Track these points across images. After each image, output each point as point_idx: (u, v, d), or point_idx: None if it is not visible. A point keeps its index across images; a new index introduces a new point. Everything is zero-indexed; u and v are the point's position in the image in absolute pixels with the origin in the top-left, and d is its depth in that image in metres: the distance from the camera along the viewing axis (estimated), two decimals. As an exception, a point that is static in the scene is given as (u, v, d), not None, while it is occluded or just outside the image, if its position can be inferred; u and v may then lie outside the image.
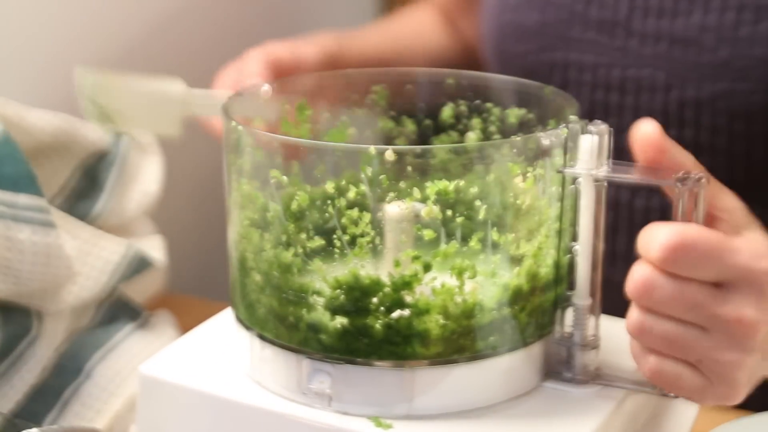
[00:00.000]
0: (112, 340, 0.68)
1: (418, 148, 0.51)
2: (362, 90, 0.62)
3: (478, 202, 0.50)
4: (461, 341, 0.50)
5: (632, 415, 0.55)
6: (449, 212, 0.50)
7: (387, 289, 0.49)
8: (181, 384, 0.54)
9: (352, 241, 0.50)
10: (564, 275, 0.53)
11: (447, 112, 0.61)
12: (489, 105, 0.60)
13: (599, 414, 0.52)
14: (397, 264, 0.49)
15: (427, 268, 0.49)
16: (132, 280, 0.72)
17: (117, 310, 0.71)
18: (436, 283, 0.50)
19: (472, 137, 0.60)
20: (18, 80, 0.79)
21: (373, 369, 0.50)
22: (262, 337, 0.53)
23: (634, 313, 0.49)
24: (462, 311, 0.50)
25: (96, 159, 0.72)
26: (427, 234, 0.50)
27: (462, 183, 0.50)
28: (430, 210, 0.50)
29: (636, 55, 0.74)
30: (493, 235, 0.51)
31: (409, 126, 0.62)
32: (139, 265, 0.71)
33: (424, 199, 0.50)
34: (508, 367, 0.52)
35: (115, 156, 0.73)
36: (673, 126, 0.74)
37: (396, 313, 0.50)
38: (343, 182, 0.50)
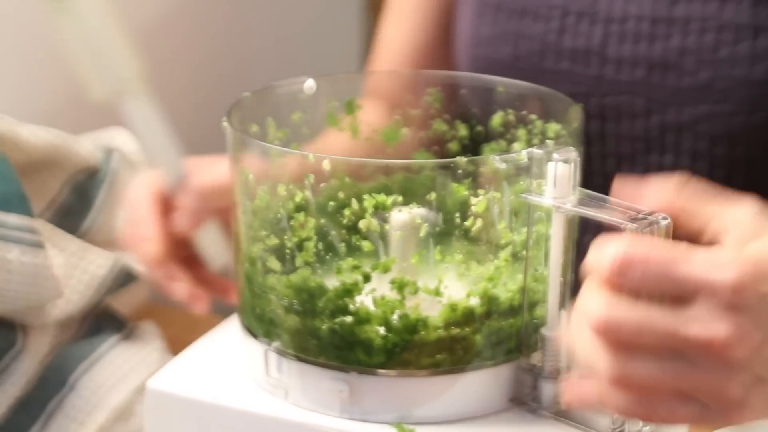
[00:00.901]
0: (96, 352, 0.69)
1: (354, 160, 0.54)
2: (417, 91, 0.63)
3: (418, 220, 0.51)
4: (405, 355, 0.51)
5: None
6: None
7: (330, 295, 0.51)
8: (191, 397, 0.55)
9: (300, 245, 0.52)
10: (537, 301, 0.53)
11: (497, 120, 0.62)
12: (533, 117, 0.61)
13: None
14: (338, 271, 0.51)
15: (366, 278, 0.51)
16: (117, 292, 0.73)
17: (102, 322, 0.72)
18: (376, 294, 0.51)
19: (516, 148, 0.61)
20: (9, 94, 0.79)
21: (383, 378, 0.52)
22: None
23: (608, 365, 0.46)
24: (404, 325, 0.51)
25: (86, 175, 0.73)
26: (366, 246, 0.51)
27: (400, 198, 0.51)
28: (368, 222, 0.51)
29: (612, 82, 0.75)
30: (436, 254, 0.52)
31: (462, 131, 0.63)
32: (126, 278, 0.72)
33: (362, 211, 0.51)
34: (468, 386, 0.53)
35: (106, 173, 0.73)
36: (654, 151, 0.74)
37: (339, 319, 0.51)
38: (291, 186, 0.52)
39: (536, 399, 0.53)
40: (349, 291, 0.51)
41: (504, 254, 0.52)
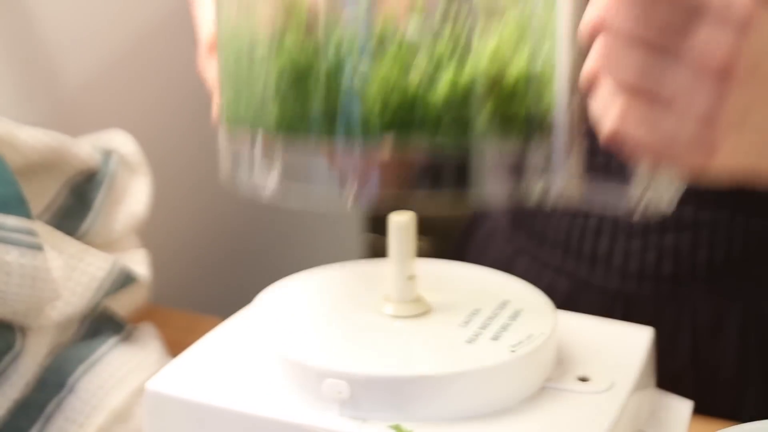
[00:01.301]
0: (95, 354, 0.69)
1: None
2: None
3: None
4: (402, 135, 0.47)
5: (635, 411, 0.57)
6: None
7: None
8: (190, 399, 0.55)
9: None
10: (546, 82, 0.49)
11: None
12: None
13: (608, 415, 0.53)
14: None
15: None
16: (116, 294, 0.73)
17: (100, 324, 0.72)
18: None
19: None
20: (6, 96, 0.80)
21: (388, 378, 0.52)
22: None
23: (597, 45, 0.45)
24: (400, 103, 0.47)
25: (84, 177, 0.73)
26: None
27: None
28: None
29: None
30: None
31: None
32: (124, 280, 0.72)
33: None
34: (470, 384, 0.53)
35: (104, 175, 0.73)
36: None
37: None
38: None
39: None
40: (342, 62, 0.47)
41: (510, 23, 0.48)
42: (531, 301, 0.60)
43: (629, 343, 0.61)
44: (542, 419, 0.53)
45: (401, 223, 0.57)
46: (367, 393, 0.53)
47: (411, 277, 0.58)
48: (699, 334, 0.78)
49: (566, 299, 0.81)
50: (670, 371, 0.78)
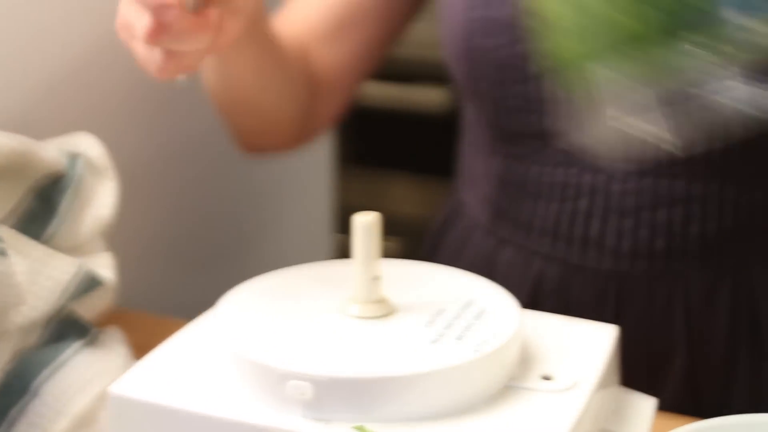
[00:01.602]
0: (59, 358, 0.69)
1: None
2: None
3: None
4: None
5: (599, 409, 0.58)
6: None
7: None
8: (154, 402, 0.55)
9: None
10: None
11: None
12: None
13: (571, 413, 0.54)
14: None
15: None
16: (82, 298, 0.72)
17: (65, 328, 0.71)
18: None
19: None
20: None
21: (352, 379, 0.52)
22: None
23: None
24: None
25: (50, 181, 0.72)
26: None
27: None
28: None
29: None
30: None
31: None
32: (90, 284, 0.72)
33: None
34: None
35: (70, 179, 0.73)
36: None
37: None
38: None
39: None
40: None
41: None
42: (495, 301, 0.60)
43: (593, 342, 0.61)
44: (505, 418, 0.54)
45: (365, 224, 0.57)
46: (330, 394, 0.53)
47: (375, 278, 0.58)
48: (692, 309, 0.78)
49: (558, 286, 0.81)
50: (663, 347, 0.79)
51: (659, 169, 0.76)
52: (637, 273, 0.78)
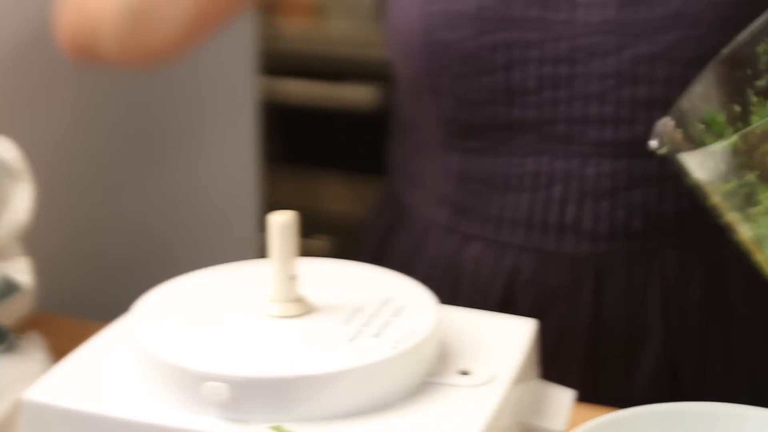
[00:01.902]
0: (-23, 365, 0.68)
1: None
2: None
3: None
4: None
5: (517, 403, 0.58)
6: None
7: None
8: (70, 408, 0.54)
9: None
10: None
11: None
12: None
13: (488, 407, 0.54)
14: None
15: None
16: (-1, 304, 0.71)
17: (-17, 335, 0.70)
18: None
19: None
20: None
21: (269, 379, 0.52)
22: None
23: None
24: None
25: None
26: None
27: None
28: None
29: (583, 24, 0.75)
30: None
31: None
32: (7, 289, 0.71)
33: None
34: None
35: (-17, 182, 0.72)
36: (626, 85, 0.75)
37: None
38: None
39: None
40: None
41: None
42: (414, 298, 0.61)
43: (512, 336, 0.62)
44: (423, 414, 0.54)
45: (281, 223, 0.57)
46: (247, 394, 0.52)
47: (292, 277, 0.58)
48: (667, 288, 0.79)
49: (534, 276, 0.81)
50: (639, 327, 0.80)
51: (633, 149, 0.77)
52: (615, 255, 0.79)
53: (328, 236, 1.79)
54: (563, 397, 0.63)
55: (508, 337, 0.61)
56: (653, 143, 0.53)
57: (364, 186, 1.80)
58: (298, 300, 0.58)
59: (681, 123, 0.54)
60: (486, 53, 0.77)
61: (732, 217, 0.53)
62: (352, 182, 1.88)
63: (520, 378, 0.59)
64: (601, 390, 0.79)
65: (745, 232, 0.53)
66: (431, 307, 0.59)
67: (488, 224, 0.82)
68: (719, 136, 0.55)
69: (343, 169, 1.88)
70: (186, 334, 0.56)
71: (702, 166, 0.51)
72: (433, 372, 0.57)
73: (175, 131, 1.08)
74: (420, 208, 0.87)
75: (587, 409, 0.66)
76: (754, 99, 0.55)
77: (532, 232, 0.80)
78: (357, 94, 1.78)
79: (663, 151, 0.53)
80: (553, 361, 0.80)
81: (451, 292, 0.83)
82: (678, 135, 0.54)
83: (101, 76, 0.80)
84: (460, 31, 0.77)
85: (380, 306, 0.59)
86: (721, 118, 0.54)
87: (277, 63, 1.71)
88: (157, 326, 0.57)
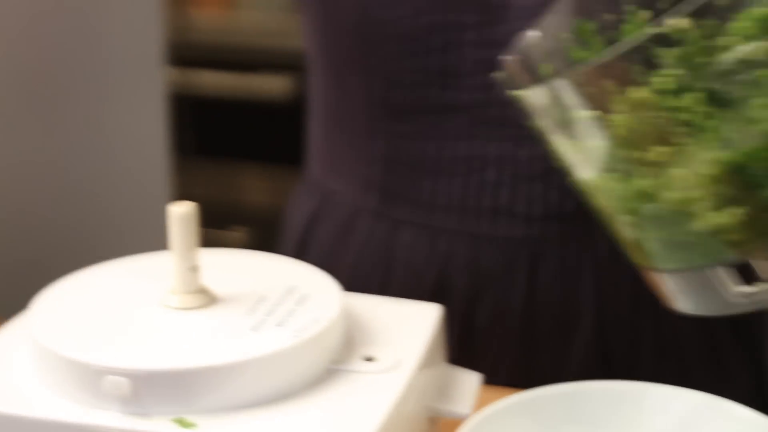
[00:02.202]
0: None
1: None
2: None
3: None
4: None
5: (423, 388, 0.58)
6: None
7: None
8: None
9: None
10: None
11: None
12: None
13: (393, 393, 0.54)
14: None
15: None
16: None
17: None
18: None
19: None
20: None
21: (169, 372, 0.51)
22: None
23: None
24: None
25: None
26: None
27: None
28: None
29: (520, 8, 0.74)
30: None
31: None
32: None
33: None
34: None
35: None
36: None
37: None
38: None
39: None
40: None
41: None
42: (318, 286, 0.60)
43: (417, 322, 0.62)
44: (327, 401, 0.54)
45: (181, 214, 0.57)
46: (148, 388, 0.52)
47: (194, 268, 0.57)
48: (600, 269, 0.80)
49: (468, 260, 0.80)
50: (573, 309, 0.80)
51: None
52: (549, 237, 0.79)
53: (247, 228, 1.78)
54: (470, 380, 0.63)
55: (413, 323, 0.62)
56: (498, 76, 0.53)
57: (282, 176, 1.79)
58: (200, 291, 0.58)
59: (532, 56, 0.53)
60: (422, 34, 0.76)
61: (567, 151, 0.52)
62: (269, 173, 1.87)
63: (426, 363, 0.59)
64: (535, 372, 0.80)
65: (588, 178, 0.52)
66: (335, 295, 0.59)
67: (420, 209, 0.82)
68: (585, 47, 0.54)
69: (261, 160, 1.87)
70: (85, 329, 0.56)
71: (543, 101, 0.50)
72: (337, 359, 0.57)
73: (81, 124, 1.07)
74: (345, 194, 0.86)
75: (494, 391, 0.67)
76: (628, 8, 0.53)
77: (465, 216, 0.80)
78: (271, 85, 1.78)
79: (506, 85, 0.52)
80: (488, 345, 0.81)
81: (382, 280, 0.82)
82: (524, 71, 0.53)
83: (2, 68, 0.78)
84: (398, 10, 0.76)
85: (284, 295, 0.59)
86: (592, 26, 0.53)
87: (190, 54, 1.69)
88: (56, 321, 0.56)
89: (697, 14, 0.45)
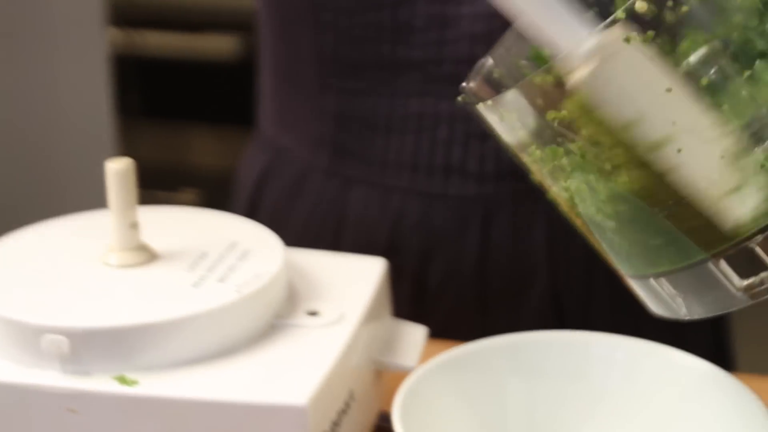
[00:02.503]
0: None
1: None
2: None
3: None
4: None
5: (368, 341, 0.58)
6: None
7: None
8: None
9: None
10: None
11: None
12: None
13: (336, 346, 0.54)
14: None
15: None
16: None
17: None
18: None
19: None
20: None
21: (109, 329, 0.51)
22: None
23: None
24: None
25: None
26: None
27: None
28: None
29: None
30: None
31: None
32: None
33: None
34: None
35: None
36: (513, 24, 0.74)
37: None
38: None
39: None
40: None
41: None
42: (260, 242, 0.60)
43: (361, 276, 0.62)
44: (270, 356, 0.54)
45: (118, 171, 0.56)
46: (88, 346, 0.51)
47: (133, 225, 0.57)
48: (552, 228, 0.79)
49: (421, 219, 0.80)
50: (526, 268, 0.80)
51: None
52: (501, 195, 0.79)
53: (198, 190, 1.77)
54: (416, 333, 0.63)
55: (358, 277, 0.61)
56: (459, 98, 0.53)
57: (231, 137, 1.78)
58: (140, 248, 0.57)
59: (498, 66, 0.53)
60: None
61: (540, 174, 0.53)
62: (219, 134, 1.85)
63: (370, 316, 0.59)
64: (489, 330, 0.80)
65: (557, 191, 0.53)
66: (277, 251, 0.59)
67: (372, 167, 0.81)
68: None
69: (210, 121, 1.86)
70: (24, 288, 0.55)
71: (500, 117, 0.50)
72: (281, 314, 0.57)
73: (23, 86, 1.05)
74: (296, 151, 0.85)
75: (442, 345, 0.67)
76: None
77: (417, 175, 0.80)
78: (218, 44, 1.76)
79: (464, 99, 0.52)
80: (441, 303, 0.81)
81: (334, 238, 0.82)
82: (485, 88, 0.53)
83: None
84: None
85: (225, 251, 0.58)
86: (546, 52, 0.54)
87: (134, 14, 1.67)
88: (-8, 281, 0.55)
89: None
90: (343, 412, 0.55)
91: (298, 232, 0.83)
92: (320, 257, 0.64)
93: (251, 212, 0.88)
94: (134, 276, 0.56)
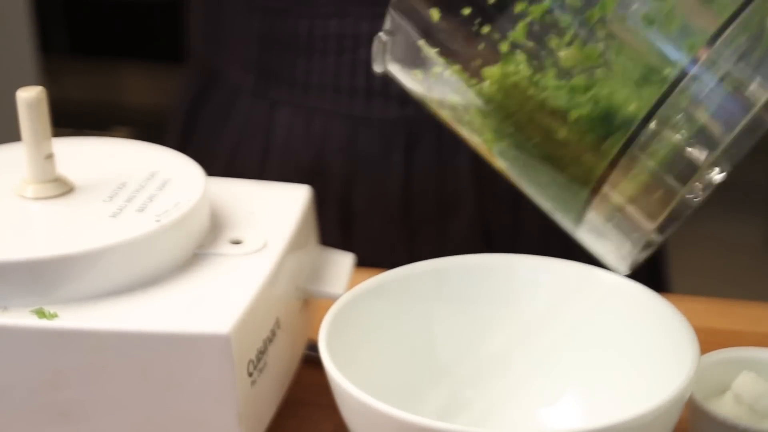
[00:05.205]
0: None
1: None
2: None
3: None
4: None
5: (294, 269, 0.58)
6: None
7: None
8: None
9: None
10: None
11: None
12: None
13: (260, 274, 0.54)
14: None
15: None
16: None
17: None
18: None
19: None
20: None
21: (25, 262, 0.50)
22: None
23: None
24: None
25: None
26: None
27: None
28: None
29: None
30: None
31: None
32: None
33: None
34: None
35: None
36: None
37: None
38: None
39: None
40: None
41: None
42: (180, 170, 0.59)
43: (286, 204, 0.61)
44: (193, 284, 0.53)
45: (29, 100, 0.54)
46: (4, 280, 0.50)
47: (48, 157, 0.55)
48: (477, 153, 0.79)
49: (345, 142, 0.79)
50: (452, 192, 0.80)
51: None
52: (425, 118, 0.78)
53: (131, 128, 1.74)
54: (343, 261, 0.63)
55: (282, 205, 0.61)
56: (375, 67, 0.53)
57: (164, 74, 1.75)
58: (56, 180, 0.56)
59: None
60: None
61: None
62: (151, 71, 1.83)
63: (295, 244, 0.58)
64: (417, 255, 0.80)
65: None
66: (198, 179, 0.58)
67: (295, 89, 0.80)
68: None
69: (141, 58, 1.83)
70: (-64, 223, 0.53)
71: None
72: (203, 244, 0.56)
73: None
74: (226, 74, 0.84)
75: (371, 272, 0.66)
76: None
77: (340, 97, 0.79)
78: (147, -21, 1.73)
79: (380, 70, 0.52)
80: (367, 227, 0.80)
81: (260, 163, 0.81)
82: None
83: None
84: None
85: (145, 181, 0.57)
86: None
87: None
88: None
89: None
90: (269, 340, 0.54)
91: (226, 158, 0.83)
92: (244, 186, 0.63)
93: (184, 142, 0.87)
94: (51, 208, 0.55)
